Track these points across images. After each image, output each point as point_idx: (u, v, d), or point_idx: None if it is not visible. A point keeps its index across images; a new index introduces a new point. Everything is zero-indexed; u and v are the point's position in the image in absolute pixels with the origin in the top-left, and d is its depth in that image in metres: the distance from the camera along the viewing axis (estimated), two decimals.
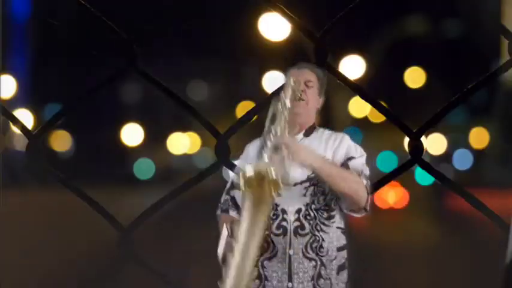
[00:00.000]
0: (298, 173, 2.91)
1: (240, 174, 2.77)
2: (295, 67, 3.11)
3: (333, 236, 2.97)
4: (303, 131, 3.05)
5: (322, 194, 2.96)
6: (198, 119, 3.51)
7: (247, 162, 2.96)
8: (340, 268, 2.99)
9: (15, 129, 3.60)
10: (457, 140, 29.55)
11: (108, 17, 3.42)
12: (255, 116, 3.50)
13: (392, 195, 23.70)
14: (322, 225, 2.95)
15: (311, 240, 2.93)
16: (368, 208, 2.96)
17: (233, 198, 3.06)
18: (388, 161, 26.52)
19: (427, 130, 3.46)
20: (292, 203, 2.93)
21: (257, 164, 2.81)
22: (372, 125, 27.05)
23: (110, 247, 3.66)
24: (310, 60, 3.41)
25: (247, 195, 2.77)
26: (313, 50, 3.43)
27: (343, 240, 3.01)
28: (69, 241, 10.68)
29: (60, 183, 3.55)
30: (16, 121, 3.58)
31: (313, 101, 3.08)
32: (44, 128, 3.59)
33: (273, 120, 2.92)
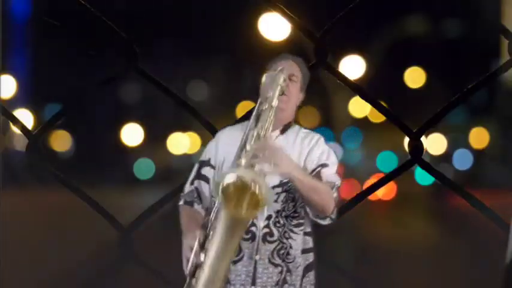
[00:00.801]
0: (270, 178, 2.83)
1: (218, 183, 2.67)
2: (280, 59, 3.04)
3: (300, 241, 2.93)
4: (280, 128, 2.99)
5: (293, 200, 2.91)
6: (198, 119, 3.52)
7: (217, 153, 2.95)
8: (307, 270, 2.95)
9: (15, 129, 3.60)
10: (457, 140, 29.53)
11: (108, 17, 3.42)
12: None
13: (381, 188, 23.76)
14: (290, 233, 2.90)
15: (278, 247, 2.89)
16: (334, 217, 2.92)
17: (197, 189, 2.99)
18: (388, 161, 26.50)
19: (427, 130, 3.47)
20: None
21: (240, 171, 2.70)
22: (372, 125, 27.03)
23: (110, 247, 3.66)
24: (310, 60, 3.41)
25: (223, 214, 2.67)
26: (313, 50, 3.43)
27: (310, 243, 2.97)
28: (69, 241, 10.67)
29: (60, 183, 3.55)
30: (16, 121, 3.58)
31: (296, 96, 3.03)
32: (44, 128, 3.59)
33: (257, 120, 2.87)
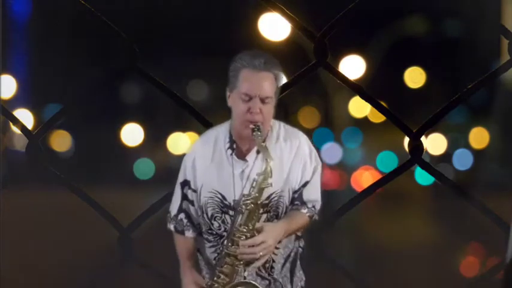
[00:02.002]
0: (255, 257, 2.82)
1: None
2: (246, 67, 2.80)
3: (284, 250, 2.91)
4: (256, 147, 2.85)
5: (276, 217, 2.87)
6: (198, 119, 3.51)
7: (196, 177, 2.89)
8: (292, 273, 2.95)
9: (15, 129, 3.60)
10: (457, 140, 29.54)
11: (108, 17, 3.42)
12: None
13: (368, 179, 23.90)
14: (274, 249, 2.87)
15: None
16: (316, 218, 2.93)
17: (188, 216, 2.94)
18: (388, 161, 26.50)
19: (427, 130, 3.46)
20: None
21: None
22: (372, 125, 27.02)
23: (110, 247, 3.66)
24: (310, 60, 3.41)
25: None
26: (313, 50, 3.43)
27: (290, 245, 2.95)
28: (69, 241, 10.67)
29: (60, 183, 3.55)
30: (16, 121, 3.57)
31: (271, 113, 2.82)
32: (44, 128, 3.59)
33: (246, 217, 2.80)
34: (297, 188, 2.87)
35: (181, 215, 2.94)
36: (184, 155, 3.06)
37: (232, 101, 2.82)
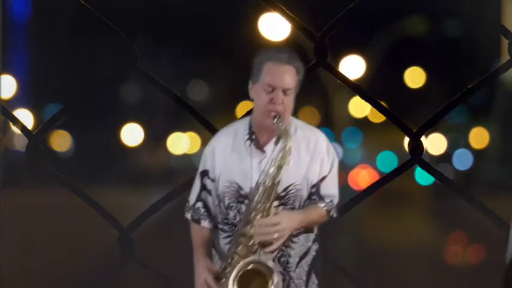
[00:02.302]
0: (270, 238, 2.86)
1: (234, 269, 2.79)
2: (270, 59, 2.90)
3: (300, 249, 2.95)
4: (274, 139, 2.94)
5: (292, 210, 2.92)
6: (198, 119, 3.51)
7: (215, 166, 2.94)
8: (309, 274, 2.98)
9: (15, 129, 3.60)
10: (457, 140, 29.53)
11: (108, 17, 3.42)
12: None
13: (364, 177, 23.95)
14: (290, 242, 2.92)
15: (279, 255, 2.92)
16: (333, 215, 2.97)
17: (205, 205, 2.99)
18: (388, 161, 26.50)
19: (427, 130, 3.47)
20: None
21: (255, 258, 2.79)
22: (372, 125, 27.02)
23: (110, 247, 3.66)
24: (310, 60, 3.41)
25: None
26: (313, 50, 3.43)
27: (310, 242, 2.99)
28: (69, 241, 10.66)
29: (60, 183, 3.55)
30: (16, 121, 3.58)
31: (291, 105, 2.93)
32: (44, 128, 3.59)
33: (263, 194, 2.85)
34: (314, 181, 2.93)
35: (199, 204, 3.00)
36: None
37: (255, 93, 2.93)
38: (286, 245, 2.91)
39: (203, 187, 2.99)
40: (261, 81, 2.90)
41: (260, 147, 2.92)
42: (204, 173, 2.99)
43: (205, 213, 2.99)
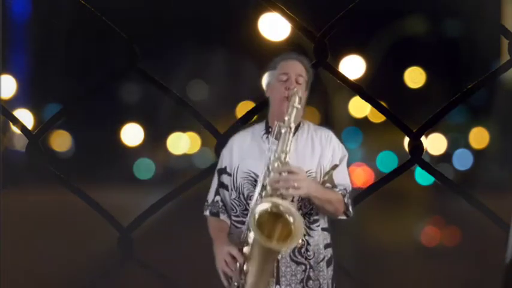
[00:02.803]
0: (287, 190, 2.91)
1: (253, 213, 2.77)
2: (285, 59, 3.12)
3: (319, 238, 3.01)
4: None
5: (309, 201, 2.99)
6: (198, 118, 3.51)
7: (232, 160, 3.03)
8: (327, 265, 3.02)
9: (15, 129, 3.60)
10: (457, 140, 29.53)
11: (108, 17, 3.42)
12: (255, 116, 3.51)
13: (360, 176, 23.96)
14: (308, 229, 2.99)
15: (299, 245, 2.95)
16: (349, 214, 3.05)
17: (222, 199, 3.08)
18: (388, 161, 26.50)
19: (427, 130, 3.47)
20: None
21: (274, 201, 2.80)
22: (372, 125, 27.02)
23: (110, 247, 3.66)
24: (310, 60, 3.41)
25: (257, 243, 2.78)
26: (313, 50, 3.43)
27: (328, 239, 3.05)
28: (69, 241, 10.66)
29: (60, 183, 3.55)
30: (16, 121, 3.58)
31: (303, 97, 3.09)
32: (44, 128, 3.59)
33: (278, 142, 2.93)
34: (327, 169, 3.02)
35: (217, 198, 3.08)
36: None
37: (271, 90, 3.10)
38: (304, 233, 2.96)
39: (220, 184, 3.08)
40: (276, 75, 3.09)
41: (277, 137, 3.00)
42: (221, 171, 3.09)
43: (223, 208, 3.07)
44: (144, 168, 29.50)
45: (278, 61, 3.13)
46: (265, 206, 2.78)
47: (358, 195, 3.54)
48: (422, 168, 3.46)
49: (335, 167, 3.02)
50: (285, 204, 2.78)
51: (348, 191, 3.03)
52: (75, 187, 3.56)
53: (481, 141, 29.05)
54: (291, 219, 2.75)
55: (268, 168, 2.91)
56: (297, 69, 3.07)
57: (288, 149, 2.91)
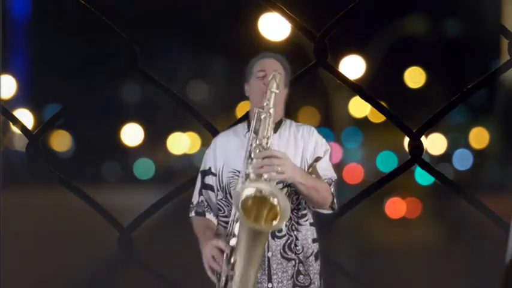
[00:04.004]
0: (272, 174, 2.89)
1: (238, 196, 2.73)
2: (261, 57, 3.12)
3: (307, 233, 3.01)
4: (273, 126, 3.02)
5: (296, 193, 2.98)
6: (198, 118, 3.51)
7: (216, 160, 3.02)
8: (315, 259, 3.03)
9: (15, 129, 3.60)
10: (457, 140, 29.55)
11: (108, 17, 3.42)
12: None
13: (348, 172, 24.01)
14: (296, 225, 2.99)
15: (288, 241, 2.97)
16: (335, 207, 3.02)
17: (206, 199, 3.07)
18: (388, 161, 26.50)
19: (427, 130, 3.47)
20: None
21: (258, 184, 2.78)
22: (372, 125, 27.01)
23: (110, 247, 3.66)
24: (310, 60, 3.41)
25: (244, 227, 2.73)
26: (313, 50, 3.43)
27: (315, 234, 3.06)
28: (69, 241, 10.67)
29: (60, 183, 3.55)
30: (16, 121, 3.58)
31: (282, 93, 3.08)
32: (44, 128, 3.59)
33: (258, 128, 2.93)
34: (310, 161, 3.02)
35: (202, 198, 3.07)
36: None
37: (250, 88, 3.10)
38: (293, 228, 2.96)
39: (204, 185, 3.06)
40: (253, 73, 3.09)
41: (256, 127, 2.99)
42: (205, 172, 3.07)
43: (209, 207, 3.06)
44: (144, 168, 29.51)
45: (256, 60, 3.14)
46: (249, 191, 2.75)
47: (359, 195, 3.54)
48: (422, 168, 3.46)
49: (318, 159, 3.02)
50: (268, 188, 2.76)
51: (333, 180, 3.03)
52: (75, 187, 3.56)
53: (481, 141, 29.05)
54: (275, 201, 2.74)
55: (250, 155, 2.89)
56: (273, 66, 3.08)
57: (269, 134, 2.91)
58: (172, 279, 3.37)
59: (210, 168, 3.06)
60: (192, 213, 3.09)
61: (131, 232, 3.52)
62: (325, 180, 3.01)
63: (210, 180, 3.06)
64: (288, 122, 3.10)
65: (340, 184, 3.12)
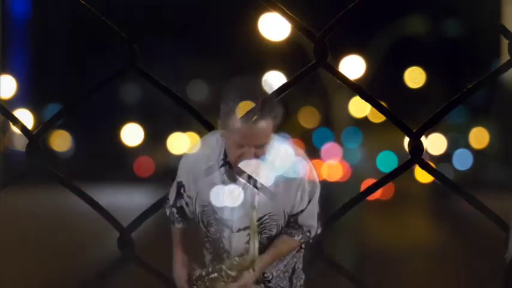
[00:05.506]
0: (240, 219, 2.78)
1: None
2: (244, 121, 2.65)
3: (278, 272, 2.89)
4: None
5: (268, 239, 2.83)
6: (198, 118, 3.51)
7: (190, 185, 2.87)
8: (291, 277, 2.93)
9: (15, 129, 3.60)
10: (457, 140, 29.57)
11: (108, 16, 3.42)
12: (255, 116, 3.49)
13: (334, 170, 24.03)
14: (262, 277, 2.86)
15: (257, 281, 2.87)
16: (316, 233, 2.90)
17: (180, 209, 2.94)
18: (388, 161, 26.52)
19: (427, 130, 3.46)
20: (237, 250, 2.81)
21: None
22: (372, 125, 27.04)
23: (110, 247, 3.67)
24: (310, 60, 3.41)
25: None
26: (313, 50, 3.43)
27: (289, 258, 2.93)
28: (69, 241, 10.67)
29: (60, 183, 3.54)
30: (16, 121, 3.57)
31: (265, 154, 2.72)
32: (44, 128, 3.59)
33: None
34: (293, 213, 2.82)
35: (174, 210, 2.95)
36: (184, 155, 3.06)
37: (224, 135, 2.76)
38: (259, 280, 2.86)
39: (180, 196, 2.93)
40: (229, 133, 2.70)
41: (233, 178, 2.78)
42: (180, 184, 2.92)
43: (179, 218, 2.95)
44: (144, 168, 29.52)
45: (231, 111, 2.67)
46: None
47: (358, 195, 3.54)
48: (422, 168, 3.45)
49: (301, 211, 2.82)
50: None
51: (311, 235, 2.86)
52: (75, 187, 3.55)
53: (481, 141, 29.07)
54: None
55: (227, 252, 2.81)
56: (256, 141, 2.66)
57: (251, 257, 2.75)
58: (172, 279, 3.36)
59: (184, 186, 2.89)
60: (167, 213, 2.99)
61: (131, 232, 3.52)
62: (301, 239, 2.84)
63: (185, 197, 2.90)
64: (270, 159, 2.75)
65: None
